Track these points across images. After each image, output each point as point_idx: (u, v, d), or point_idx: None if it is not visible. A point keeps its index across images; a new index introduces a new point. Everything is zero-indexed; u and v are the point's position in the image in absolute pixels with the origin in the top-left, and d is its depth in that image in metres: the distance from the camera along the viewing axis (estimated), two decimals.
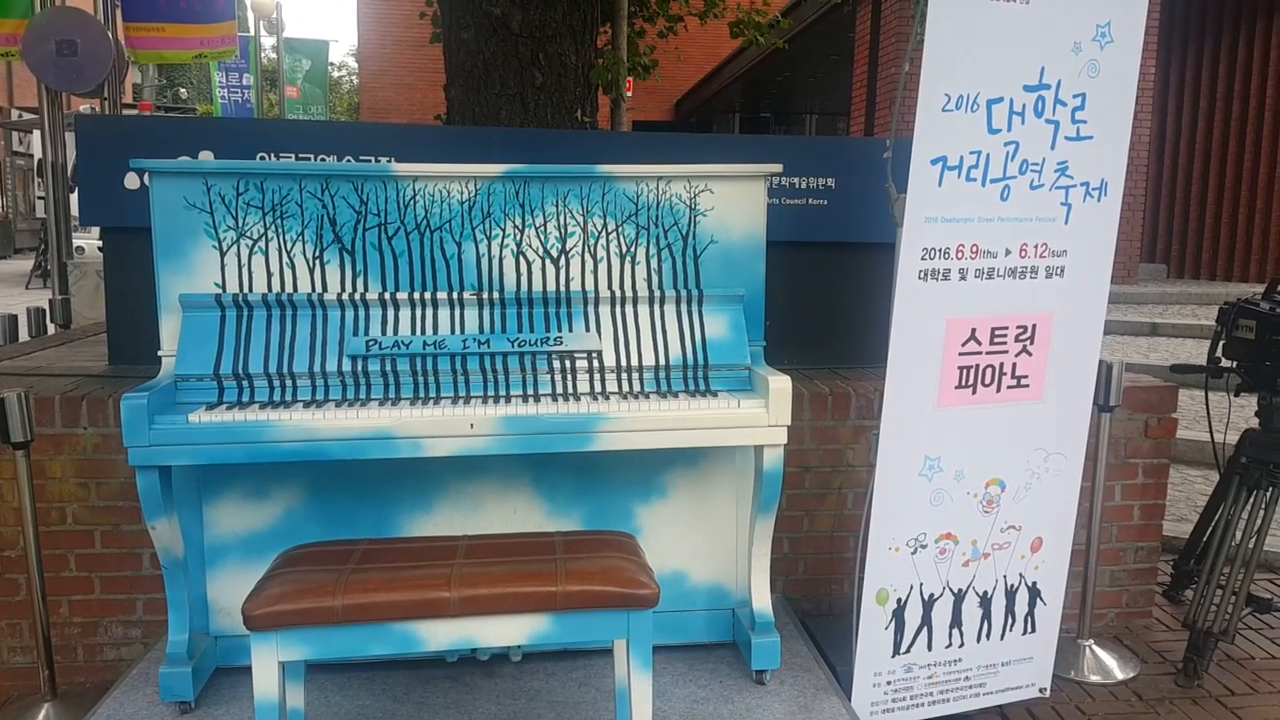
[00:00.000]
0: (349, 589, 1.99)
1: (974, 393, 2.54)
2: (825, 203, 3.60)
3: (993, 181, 2.45)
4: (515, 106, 4.39)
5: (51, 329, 4.85)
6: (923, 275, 2.42)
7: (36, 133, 15.51)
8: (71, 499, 2.96)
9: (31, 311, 4.47)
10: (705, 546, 2.85)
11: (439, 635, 2.02)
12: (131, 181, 3.24)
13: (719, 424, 2.49)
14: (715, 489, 2.84)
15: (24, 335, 4.39)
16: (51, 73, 5.49)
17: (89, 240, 9.74)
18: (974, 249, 2.46)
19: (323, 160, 3.22)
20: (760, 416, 2.49)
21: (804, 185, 3.56)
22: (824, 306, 3.59)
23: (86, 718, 2.51)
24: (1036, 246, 2.52)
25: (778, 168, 2.75)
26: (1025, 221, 2.50)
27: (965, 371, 2.52)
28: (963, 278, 2.46)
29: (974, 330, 2.51)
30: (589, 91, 4.61)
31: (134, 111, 13.32)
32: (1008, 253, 2.51)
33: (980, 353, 2.53)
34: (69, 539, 2.98)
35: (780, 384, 2.49)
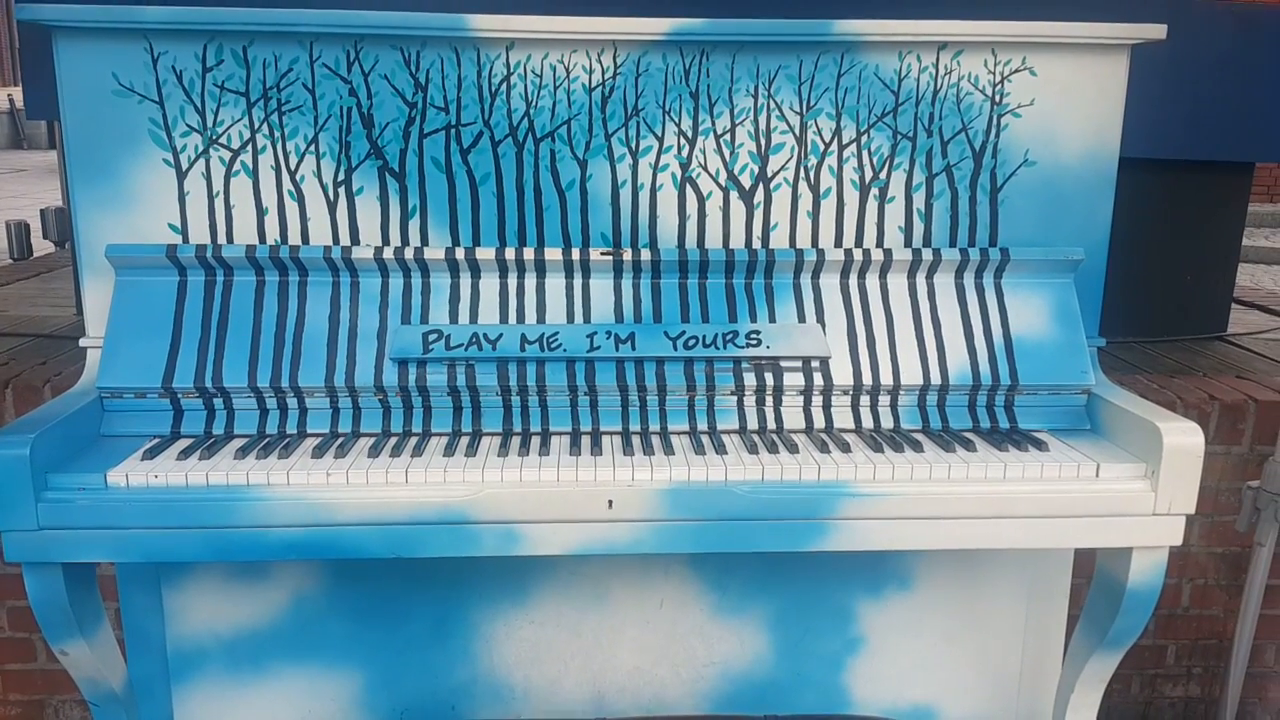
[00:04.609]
0: None
1: None
2: None
3: None
4: None
5: (49, 248, 3.86)
6: None
7: None
8: None
9: (12, 227, 3.47)
10: (969, 670, 1.76)
11: None
12: None
13: (1059, 510, 1.35)
14: (991, 580, 1.72)
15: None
16: None
17: None
18: None
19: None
20: (1138, 498, 1.35)
21: None
22: (1134, 255, 2.31)
23: None
24: None
25: (1158, 30, 1.53)
26: None
27: None
28: None
29: None
30: None
31: None
32: None
33: None
34: None
35: (1181, 438, 1.33)
